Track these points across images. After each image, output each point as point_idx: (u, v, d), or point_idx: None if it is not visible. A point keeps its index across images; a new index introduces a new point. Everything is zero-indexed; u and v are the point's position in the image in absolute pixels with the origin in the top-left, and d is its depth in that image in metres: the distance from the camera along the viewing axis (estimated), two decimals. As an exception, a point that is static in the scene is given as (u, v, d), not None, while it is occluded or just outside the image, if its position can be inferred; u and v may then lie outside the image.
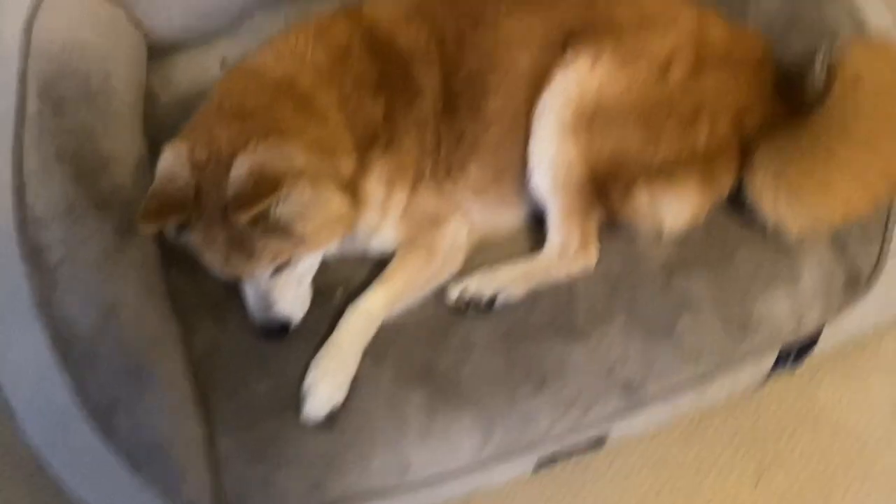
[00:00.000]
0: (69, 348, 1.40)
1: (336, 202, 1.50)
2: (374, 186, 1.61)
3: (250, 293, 1.55)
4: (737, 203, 1.67)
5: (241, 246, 1.45)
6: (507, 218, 1.74)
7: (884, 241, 1.64)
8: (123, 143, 1.65)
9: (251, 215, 1.39)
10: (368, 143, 1.60)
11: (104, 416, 1.40)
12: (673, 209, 1.65)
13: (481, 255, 1.69)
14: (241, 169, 1.41)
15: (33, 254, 1.43)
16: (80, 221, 1.48)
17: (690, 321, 1.58)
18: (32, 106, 1.55)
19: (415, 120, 1.65)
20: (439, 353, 1.57)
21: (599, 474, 1.94)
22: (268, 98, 1.52)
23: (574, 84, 1.62)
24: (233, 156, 1.42)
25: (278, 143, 1.44)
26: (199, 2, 1.85)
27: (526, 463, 1.65)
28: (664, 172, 1.63)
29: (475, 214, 1.72)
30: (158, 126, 1.76)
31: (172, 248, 1.54)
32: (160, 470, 1.43)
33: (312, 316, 1.59)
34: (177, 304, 1.62)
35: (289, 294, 1.54)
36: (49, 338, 1.40)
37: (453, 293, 1.63)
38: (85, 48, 1.66)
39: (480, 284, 1.62)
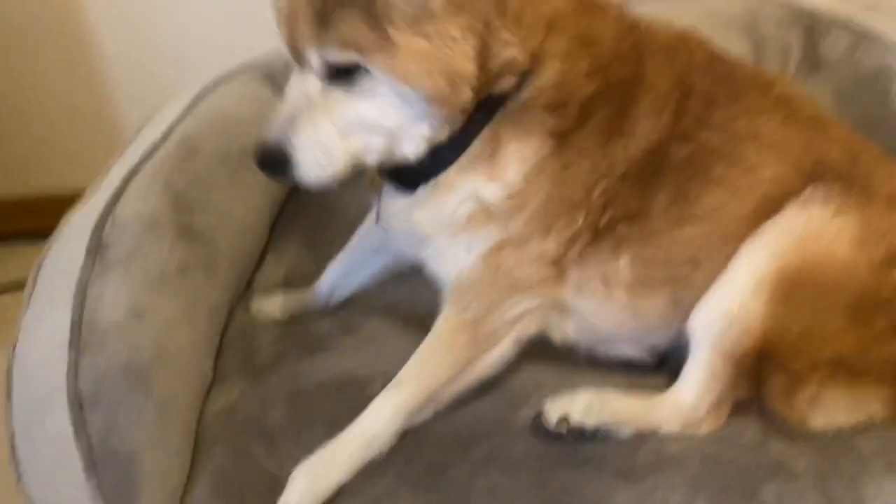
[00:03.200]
0: (84, 332, 1.34)
1: (461, 53, 1.16)
2: (514, 150, 1.28)
3: (286, 99, 1.24)
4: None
5: (318, 2, 1.16)
6: (610, 338, 1.42)
7: None
8: (238, 204, 1.70)
9: None
10: (553, 107, 1.27)
11: (83, 403, 1.29)
12: (838, 414, 1.33)
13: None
14: None
15: (97, 248, 1.43)
16: (153, 236, 1.49)
17: (780, 490, 1.20)
18: (168, 147, 1.65)
19: (601, 157, 1.31)
20: (457, 461, 1.31)
21: None
22: None
23: (803, 228, 1.30)
24: None
25: None
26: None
27: None
28: (843, 374, 1.32)
29: (576, 319, 1.39)
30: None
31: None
32: (115, 480, 1.27)
33: (343, 406, 1.39)
34: (225, 353, 1.56)
35: (319, 134, 1.20)
36: (72, 318, 1.35)
37: (553, 416, 1.32)
38: (238, 121, 1.77)
39: (587, 414, 1.32)
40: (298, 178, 1.22)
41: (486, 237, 1.31)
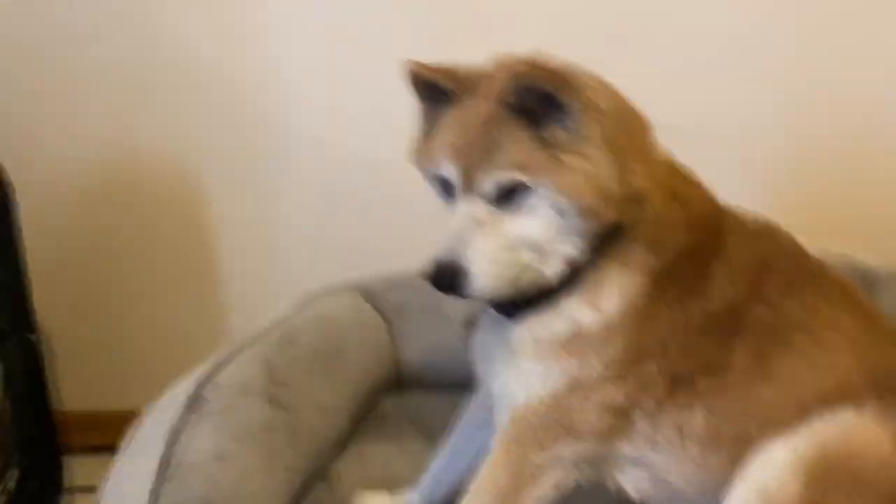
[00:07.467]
0: (171, 467, 1.47)
1: (610, 174, 1.31)
2: (617, 282, 1.37)
3: (455, 223, 1.34)
4: None
5: (489, 134, 1.33)
6: (679, 495, 1.41)
7: None
8: (326, 392, 1.83)
9: (529, 80, 1.28)
10: (653, 243, 1.38)
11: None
12: None
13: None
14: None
15: (196, 401, 1.60)
16: (246, 397, 1.65)
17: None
18: (271, 336, 1.84)
19: (679, 310, 1.39)
20: None
21: None
22: None
23: (850, 424, 1.34)
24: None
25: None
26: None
27: None
28: None
29: (648, 472, 1.41)
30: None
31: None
32: None
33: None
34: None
35: (490, 248, 1.31)
36: (161, 457, 1.48)
37: None
38: (337, 325, 1.96)
39: None
40: (473, 289, 1.32)
41: (564, 371, 1.38)
